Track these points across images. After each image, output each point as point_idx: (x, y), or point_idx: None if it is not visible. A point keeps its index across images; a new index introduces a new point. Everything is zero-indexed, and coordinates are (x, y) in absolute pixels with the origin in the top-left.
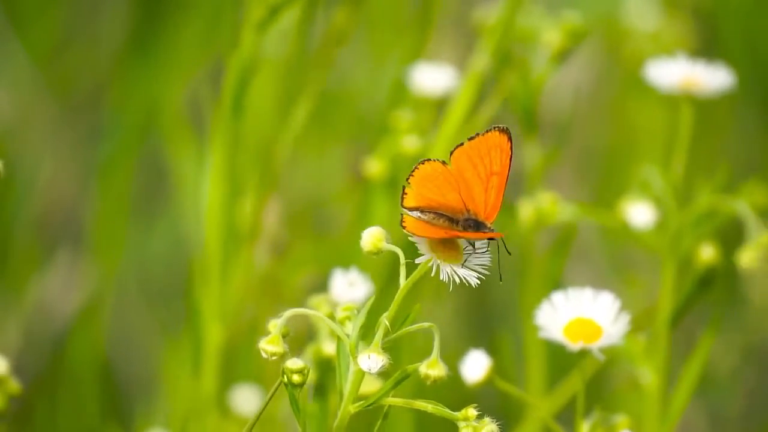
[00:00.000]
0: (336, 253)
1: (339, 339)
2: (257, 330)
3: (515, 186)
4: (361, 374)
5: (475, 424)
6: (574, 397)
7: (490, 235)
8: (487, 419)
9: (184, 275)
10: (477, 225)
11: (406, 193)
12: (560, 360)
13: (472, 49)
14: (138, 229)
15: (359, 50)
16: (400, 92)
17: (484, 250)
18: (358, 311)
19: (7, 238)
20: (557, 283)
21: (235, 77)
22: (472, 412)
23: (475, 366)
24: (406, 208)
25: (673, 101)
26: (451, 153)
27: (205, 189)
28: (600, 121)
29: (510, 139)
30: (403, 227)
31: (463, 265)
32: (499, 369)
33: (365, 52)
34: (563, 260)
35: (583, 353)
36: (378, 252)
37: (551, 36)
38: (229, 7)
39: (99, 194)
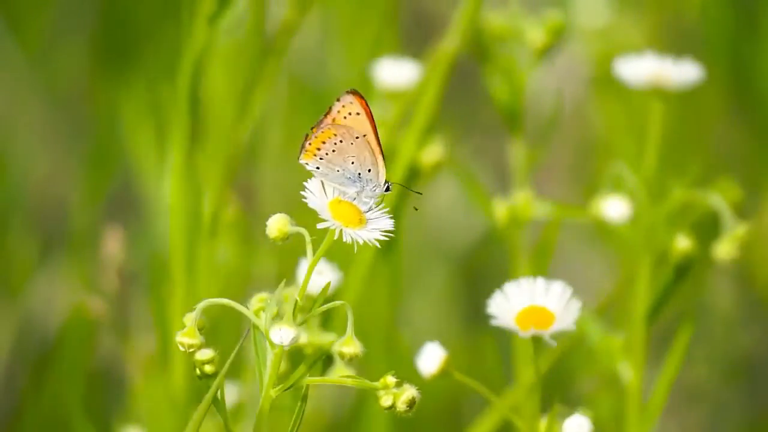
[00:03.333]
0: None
1: (255, 327)
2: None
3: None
4: (279, 358)
5: (395, 390)
6: (551, 393)
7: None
8: (406, 385)
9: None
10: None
11: None
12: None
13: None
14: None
15: (331, 45)
16: (367, 86)
17: (384, 212)
18: (271, 300)
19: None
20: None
21: (189, 71)
22: (390, 379)
23: (430, 358)
24: None
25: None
26: None
27: (167, 185)
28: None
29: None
30: None
31: (366, 230)
32: (482, 366)
33: (336, 46)
34: (548, 258)
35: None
36: (285, 237)
37: (535, 34)
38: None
39: (82, 195)
